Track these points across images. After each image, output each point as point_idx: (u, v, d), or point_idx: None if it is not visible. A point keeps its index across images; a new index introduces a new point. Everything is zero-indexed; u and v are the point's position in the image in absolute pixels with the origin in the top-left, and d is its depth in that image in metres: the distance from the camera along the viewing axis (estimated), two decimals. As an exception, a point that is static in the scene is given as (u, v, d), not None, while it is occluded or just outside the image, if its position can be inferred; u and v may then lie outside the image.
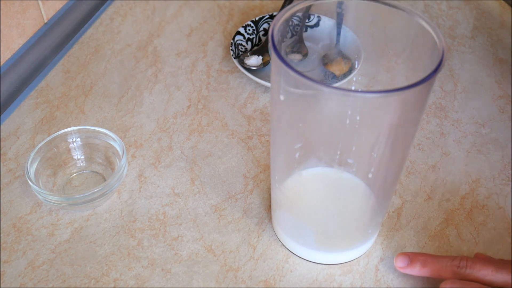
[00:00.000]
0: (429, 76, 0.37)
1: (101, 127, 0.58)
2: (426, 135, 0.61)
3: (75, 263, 0.50)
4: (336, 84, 0.62)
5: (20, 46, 0.66)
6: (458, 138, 0.61)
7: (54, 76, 0.69)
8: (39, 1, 0.68)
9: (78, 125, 0.61)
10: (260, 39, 0.72)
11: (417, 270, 0.47)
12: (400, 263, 0.48)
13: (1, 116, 0.63)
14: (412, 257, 0.48)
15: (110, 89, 0.67)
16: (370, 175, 0.48)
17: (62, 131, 0.56)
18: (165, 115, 0.64)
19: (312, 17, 0.71)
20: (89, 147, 0.57)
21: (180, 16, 0.78)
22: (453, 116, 0.64)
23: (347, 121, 0.43)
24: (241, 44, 0.70)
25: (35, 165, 0.54)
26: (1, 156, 0.59)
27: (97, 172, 0.57)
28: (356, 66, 0.62)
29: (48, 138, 0.56)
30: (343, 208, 0.50)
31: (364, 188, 0.48)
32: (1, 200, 0.55)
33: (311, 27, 0.71)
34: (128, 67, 0.70)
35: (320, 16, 0.71)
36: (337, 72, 0.65)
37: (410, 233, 0.52)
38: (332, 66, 0.66)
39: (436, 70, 0.37)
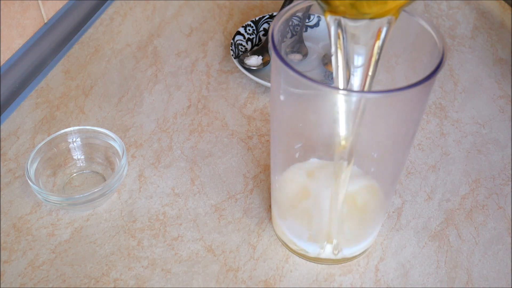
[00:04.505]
0: (429, 76, 0.37)
1: (101, 127, 0.58)
2: (426, 135, 0.62)
3: (75, 263, 0.50)
4: (336, 84, 0.62)
5: (20, 46, 0.66)
6: (458, 138, 0.61)
7: (54, 76, 0.69)
8: (39, 1, 0.68)
9: (78, 125, 0.61)
10: (260, 39, 0.72)
11: None
12: None
13: (1, 116, 0.63)
14: None
15: (110, 89, 0.67)
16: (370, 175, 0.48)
17: (62, 131, 0.56)
18: (165, 115, 0.64)
19: (312, 17, 0.71)
20: (89, 147, 0.57)
21: (180, 16, 0.78)
22: (453, 116, 0.64)
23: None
24: (241, 44, 0.70)
25: (35, 165, 0.54)
26: (1, 156, 0.59)
27: (97, 172, 0.57)
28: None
29: (48, 138, 0.56)
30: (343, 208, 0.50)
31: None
32: (1, 200, 0.55)
33: (311, 27, 0.71)
34: (128, 67, 0.70)
35: (320, 16, 0.71)
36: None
37: (410, 233, 0.52)
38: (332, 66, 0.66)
39: (436, 70, 0.37)
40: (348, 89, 0.40)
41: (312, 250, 0.49)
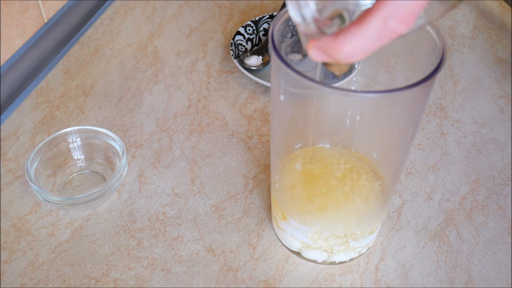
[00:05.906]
0: (429, 76, 0.37)
1: (101, 127, 0.58)
2: (426, 135, 0.61)
3: (75, 263, 0.50)
4: (336, 84, 0.62)
5: (20, 46, 0.66)
6: (458, 138, 0.61)
7: (54, 76, 0.69)
8: (39, 1, 0.68)
9: (78, 125, 0.61)
10: (260, 39, 0.72)
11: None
12: None
13: (1, 116, 0.63)
14: None
15: (110, 89, 0.67)
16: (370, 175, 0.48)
17: (62, 131, 0.56)
18: (165, 115, 0.64)
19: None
20: (89, 147, 0.57)
21: (180, 16, 0.78)
22: (453, 116, 0.64)
23: (347, 121, 0.43)
24: (241, 44, 0.70)
25: (35, 165, 0.54)
26: (1, 156, 0.59)
27: (97, 172, 0.57)
28: (356, 66, 0.62)
29: (48, 138, 0.56)
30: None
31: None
32: (1, 200, 0.55)
33: (311, 27, 0.71)
34: (128, 67, 0.70)
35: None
36: (337, 72, 0.65)
37: (410, 233, 0.52)
38: (332, 66, 0.66)
39: (436, 70, 0.37)
40: (348, 89, 0.40)
41: (312, 249, 0.49)
